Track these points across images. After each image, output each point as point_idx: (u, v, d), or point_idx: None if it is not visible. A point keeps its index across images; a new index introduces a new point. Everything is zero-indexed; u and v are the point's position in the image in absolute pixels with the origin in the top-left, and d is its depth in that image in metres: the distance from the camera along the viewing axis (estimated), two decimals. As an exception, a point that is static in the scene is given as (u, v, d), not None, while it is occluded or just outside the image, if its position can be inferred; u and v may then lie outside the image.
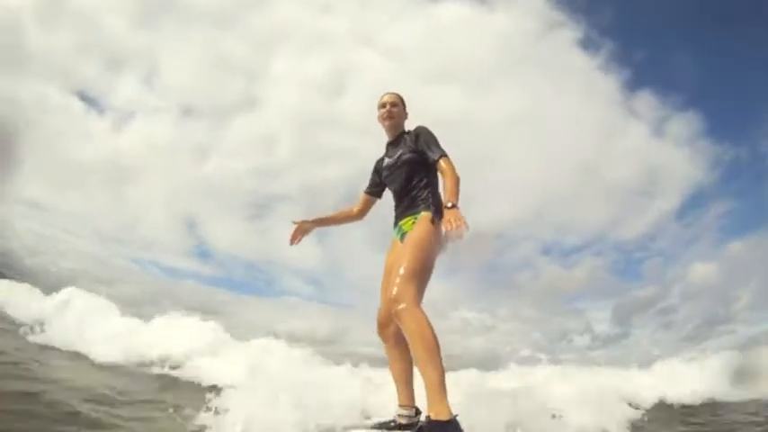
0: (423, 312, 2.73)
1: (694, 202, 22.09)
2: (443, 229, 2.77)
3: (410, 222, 3.17)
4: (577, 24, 24.33)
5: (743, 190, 21.26)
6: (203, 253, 25.23)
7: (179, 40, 26.33)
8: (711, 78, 23.29)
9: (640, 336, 17.71)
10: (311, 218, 3.64)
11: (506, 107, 24.04)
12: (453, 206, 2.84)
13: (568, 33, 23.38)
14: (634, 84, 26.13)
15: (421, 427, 2.81)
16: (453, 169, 3.08)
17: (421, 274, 2.91)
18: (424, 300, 2.92)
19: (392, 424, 3.10)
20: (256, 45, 26.85)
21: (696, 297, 18.10)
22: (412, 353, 2.78)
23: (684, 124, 22.13)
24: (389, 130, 3.49)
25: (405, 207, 3.28)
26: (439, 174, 3.16)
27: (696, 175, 21.81)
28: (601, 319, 19.44)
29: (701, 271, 18.81)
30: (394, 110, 3.46)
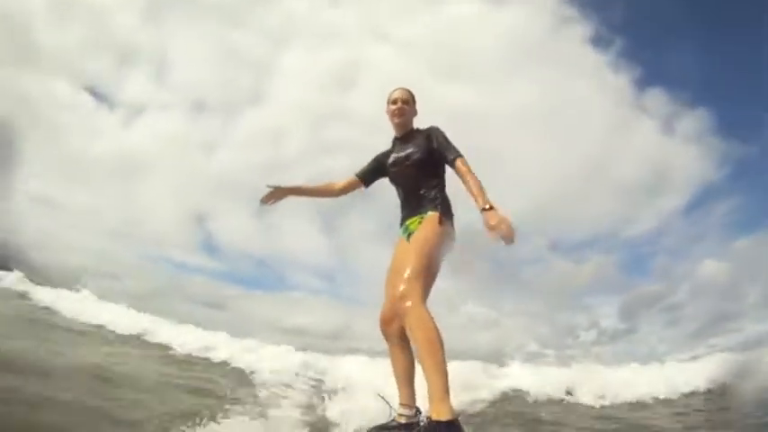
0: (428, 312, 2.71)
1: (703, 199, 22.16)
2: (491, 234, 2.72)
3: (417, 222, 3.16)
4: (588, 21, 24.36)
5: (751, 187, 21.34)
6: (212, 248, 25.44)
7: (189, 36, 26.48)
8: (721, 76, 23.32)
9: (647, 332, 17.66)
10: (288, 185, 3.53)
11: (516, 102, 24.03)
12: (491, 207, 2.80)
13: (579, 30, 23.39)
14: (644, 81, 26.24)
15: (421, 427, 2.79)
16: (471, 170, 3.06)
17: (427, 274, 2.89)
18: (431, 296, 2.91)
19: (392, 424, 3.07)
20: (266, 40, 26.96)
21: (704, 294, 18.04)
22: (415, 352, 2.77)
23: (694, 121, 22.12)
24: (399, 127, 3.45)
25: (413, 207, 3.26)
26: (456, 172, 3.14)
27: (705, 173, 21.81)
28: (608, 314, 19.45)
29: (710, 268, 18.76)
30: (405, 107, 3.42)
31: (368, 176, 3.61)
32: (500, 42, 24.97)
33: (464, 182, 3.04)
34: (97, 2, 24.50)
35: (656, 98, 23.58)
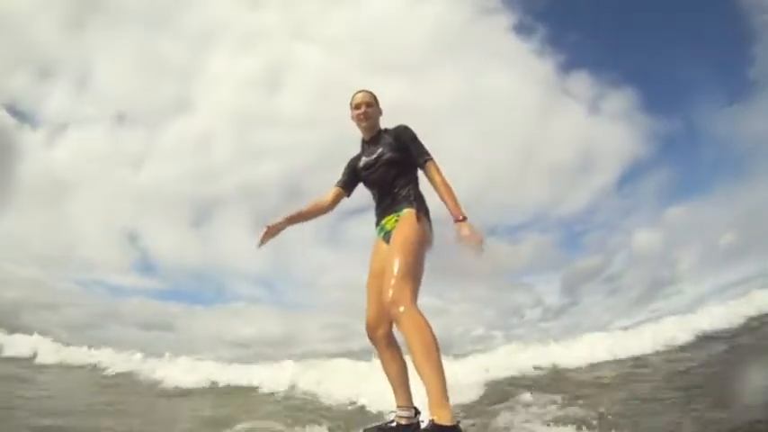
0: (421, 314, 2.68)
1: (632, 174, 23.42)
2: (463, 243, 2.81)
3: (393, 220, 3.11)
4: (511, 10, 24.93)
5: (679, 159, 22.81)
6: (147, 267, 24.47)
7: (110, 46, 25.13)
8: (644, 54, 24.40)
9: (590, 303, 18.40)
10: (281, 218, 3.36)
11: (443, 94, 24.36)
12: (465, 218, 2.91)
13: (502, 19, 23.90)
14: (569, 65, 27.16)
15: (422, 428, 2.74)
16: (441, 173, 3.10)
17: (414, 273, 2.85)
18: None
19: (392, 425, 3.08)
20: (189, 45, 25.90)
21: (640, 263, 19.05)
22: (411, 356, 2.69)
23: (619, 101, 23.13)
24: (367, 129, 3.40)
25: (386, 206, 3.22)
26: (427, 176, 3.15)
27: (633, 149, 22.90)
28: (550, 291, 20.21)
29: (644, 238, 19.96)
30: (369, 110, 3.36)
31: (348, 185, 3.52)
32: (424, 35, 25.11)
33: (437, 189, 3.08)
34: (13, 14, 23.04)
35: (582, 81, 24.48)
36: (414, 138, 3.23)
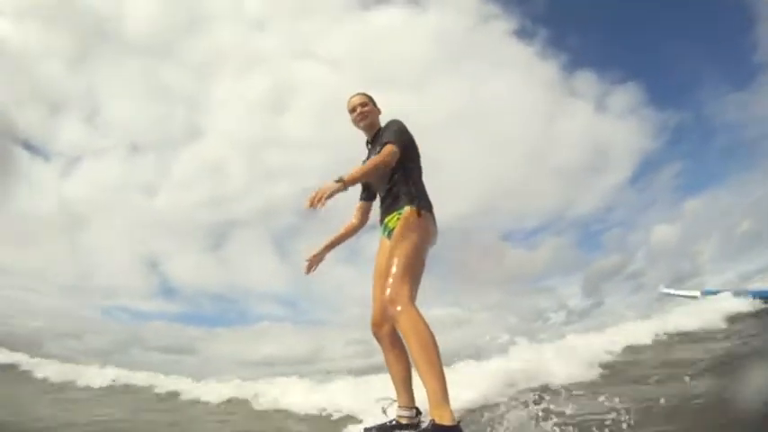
0: (419, 314, 2.68)
1: (646, 169, 22.87)
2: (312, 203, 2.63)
3: (395, 219, 3.10)
4: (511, 15, 24.97)
5: (691, 151, 22.17)
6: (169, 291, 24.64)
7: (117, 77, 25.71)
8: (647, 49, 24.25)
9: (613, 303, 18.11)
10: (321, 246, 3.53)
11: (448, 104, 24.37)
12: (339, 180, 2.73)
13: (503, 25, 23.89)
14: (572, 65, 26.95)
15: (423, 428, 2.75)
16: (384, 155, 3.03)
17: (412, 272, 2.86)
18: None
19: (393, 424, 3.08)
20: (194, 72, 26.48)
21: (661, 257, 18.68)
22: (410, 355, 2.73)
23: (625, 97, 22.91)
24: (366, 129, 3.45)
25: (388, 204, 3.22)
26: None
27: (643, 144, 22.57)
28: (572, 294, 19.84)
29: (663, 232, 19.49)
30: (365, 109, 3.42)
31: (369, 194, 3.57)
32: (426, 46, 25.29)
33: None
34: (20, 54, 23.54)
35: (586, 80, 24.31)
36: (391, 129, 3.23)
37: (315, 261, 3.52)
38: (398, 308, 2.68)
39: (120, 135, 26.43)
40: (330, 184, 2.66)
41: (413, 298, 2.79)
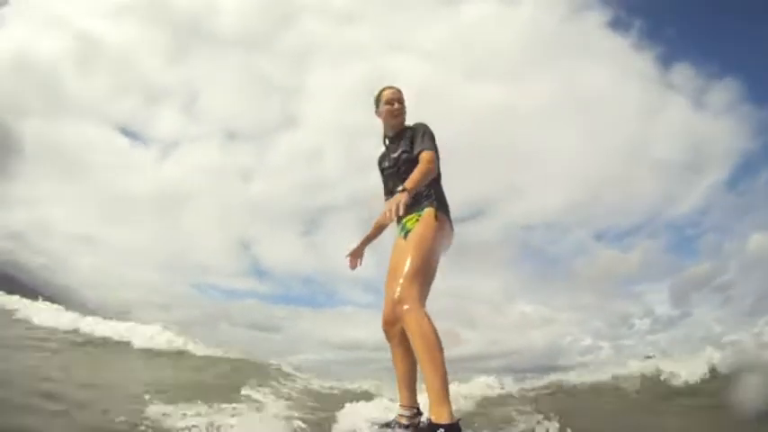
0: (425, 314, 2.72)
1: (744, 171, 21.29)
2: (388, 215, 2.77)
3: (414, 219, 3.12)
4: (605, 6, 23.78)
5: None
6: (260, 272, 25.71)
7: (214, 68, 27.07)
8: (745, 43, 22.32)
9: (701, 313, 16.85)
10: (359, 243, 3.64)
11: (543, 95, 23.71)
12: (404, 190, 2.85)
13: (597, 16, 22.94)
14: (669, 58, 25.44)
15: (421, 428, 2.85)
16: (429, 162, 3.07)
17: (424, 273, 2.90)
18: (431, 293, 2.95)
19: (393, 424, 3.09)
20: (289, 63, 27.33)
21: (755, 269, 17.07)
22: (415, 354, 2.75)
23: (724, 93, 21.24)
24: (396, 125, 3.44)
25: (409, 204, 3.09)
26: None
27: (742, 143, 20.90)
28: (660, 300, 18.77)
29: (760, 241, 17.74)
30: (403, 106, 3.45)
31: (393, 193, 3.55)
32: (520, 38, 24.69)
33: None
34: (122, 48, 25.24)
35: (683, 74, 22.85)
36: (424, 133, 3.23)
37: (356, 256, 3.65)
38: (405, 307, 2.72)
39: (216, 123, 27.85)
40: (398, 196, 2.81)
41: (422, 299, 2.83)
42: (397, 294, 2.77)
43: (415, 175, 2.98)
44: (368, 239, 3.65)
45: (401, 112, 3.42)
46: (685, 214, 22.89)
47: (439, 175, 3.26)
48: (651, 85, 23.52)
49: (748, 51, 23.27)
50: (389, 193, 3.39)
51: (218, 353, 8.76)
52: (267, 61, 27.27)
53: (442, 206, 3.16)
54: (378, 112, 3.49)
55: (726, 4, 22.45)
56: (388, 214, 2.75)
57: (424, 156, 3.08)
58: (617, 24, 25.79)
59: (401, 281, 2.80)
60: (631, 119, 23.81)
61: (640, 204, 23.89)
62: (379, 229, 3.64)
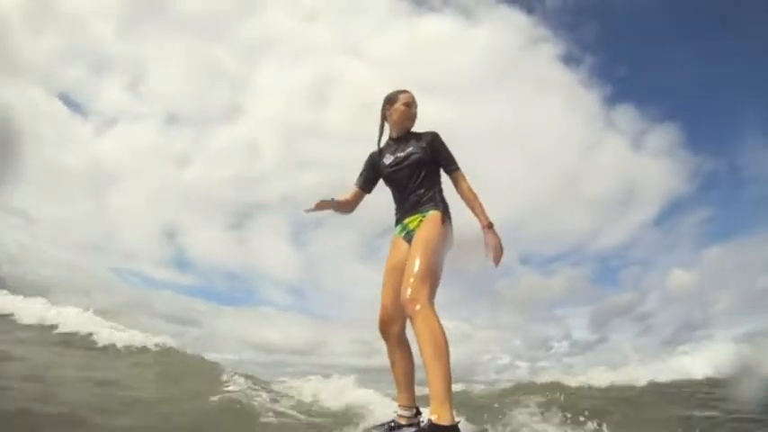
0: (436, 315, 2.71)
1: (672, 211, 22.87)
2: (487, 251, 3.02)
3: (417, 220, 3.15)
4: (560, 40, 24.92)
5: (720, 199, 22.03)
6: (183, 262, 24.87)
7: (166, 48, 26.15)
8: (689, 91, 24.02)
9: (618, 341, 17.88)
10: (332, 201, 3.37)
11: (489, 119, 24.44)
12: (491, 225, 3.14)
13: (551, 48, 23.92)
14: (614, 98, 26.88)
15: (421, 428, 2.76)
16: (470, 184, 3.27)
17: (434, 274, 2.88)
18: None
19: (392, 424, 3.08)
20: (242, 53, 26.80)
21: (674, 302, 18.44)
22: (421, 355, 2.71)
23: (663, 136, 22.70)
24: (405, 129, 3.43)
25: (410, 205, 3.25)
26: (454, 182, 3.30)
27: (675, 185, 22.47)
28: (580, 325, 19.70)
29: (680, 277, 19.25)
30: (416, 111, 3.47)
31: (368, 184, 3.56)
32: (474, 60, 25.34)
33: (464, 195, 3.26)
34: (74, 10, 24.03)
35: (626, 115, 24.27)
36: (446, 146, 3.34)
37: (321, 206, 3.33)
38: (417, 307, 2.69)
39: (160, 104, 26.85)
40: (493, 236, 3.11)
41: (432, 300, 2.80)
42: (409, 294, 2.75)
43: (478, 205, 3.20)
44: (336, 205, 3.40)
45: (414, 117, 3.44)
46: (611, 247, 24.34)
47: (442, 183, 3.33)
48: (594, 121, 24.89)
49: (692, 97, 25.00)
50: (396, 188, 3.36)
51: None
52: (221, 48, 26.62)
53: (445, 211, 3.19)
54: (390, 110, 3.45)
55: (677, 55, 23.92)
56: (496, 261, 3.08)
57: (465, 180, 3.28)
58: (569, 59, 26.92)
59: (412, 280, 2.78)
60: (571, 152, 25.00)
61: (569, 234, 25.13)
62: (341, 206, 3.44)
